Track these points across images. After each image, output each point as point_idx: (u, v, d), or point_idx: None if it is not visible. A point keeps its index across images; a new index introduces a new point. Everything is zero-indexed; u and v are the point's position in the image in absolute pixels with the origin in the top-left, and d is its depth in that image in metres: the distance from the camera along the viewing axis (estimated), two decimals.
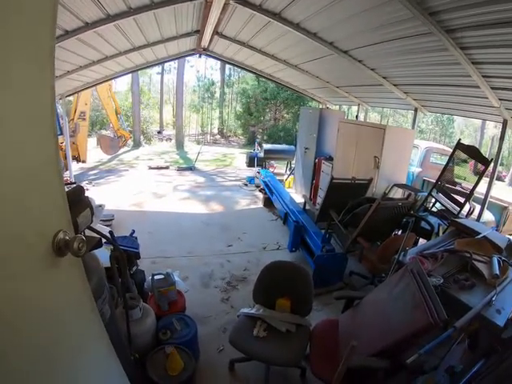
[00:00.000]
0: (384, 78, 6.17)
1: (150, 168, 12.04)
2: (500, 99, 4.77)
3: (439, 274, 2.75)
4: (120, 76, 9.21)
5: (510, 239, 3.80)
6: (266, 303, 3.00)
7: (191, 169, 12.21)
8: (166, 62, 11.37)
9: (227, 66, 25.42)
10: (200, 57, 9.02)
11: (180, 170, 12.08)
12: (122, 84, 26.90)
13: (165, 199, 8.18)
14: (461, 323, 2.21)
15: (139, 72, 18.67)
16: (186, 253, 5.24)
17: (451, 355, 2.98)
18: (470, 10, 3.25)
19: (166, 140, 22.67)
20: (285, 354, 2.59)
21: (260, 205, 8.25)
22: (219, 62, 23.08)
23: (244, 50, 7.51)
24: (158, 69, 28.18)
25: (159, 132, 24.04)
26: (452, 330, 2.17)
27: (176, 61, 18.66)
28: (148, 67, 9.76)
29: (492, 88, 4.59)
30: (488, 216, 6.43)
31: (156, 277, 3.35)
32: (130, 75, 16.82)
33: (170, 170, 12.07)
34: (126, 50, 6.51)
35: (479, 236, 3.47)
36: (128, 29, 5.38)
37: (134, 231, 4.21)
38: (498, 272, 2.82)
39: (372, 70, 6.00)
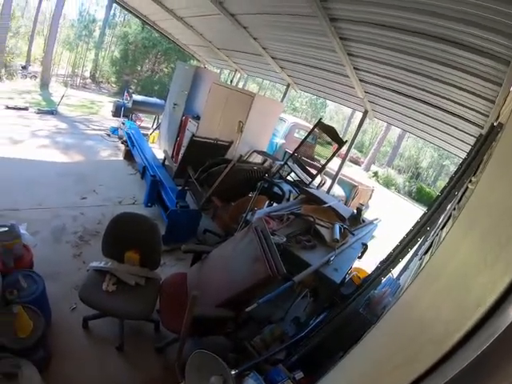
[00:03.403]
0: (264, 48, 6.35)
1: (8, 108, 10.51)
2: (365, 91, 5.25)
3: (283, 233, 2.97)
4: None
5: (353, 211, 4.27)
6: (114, 256, 2.90)
7: (53, 113, 10.97)
8: None
9: (114, 5, 23.26)
10: None
11: (41, 112, 10.71)
12: None
13: (20, 145, 7.18)
14: (299, 278, 2.45)
15: None
16: (37, 205, 4.75)
17: (297, 308, 3.34)
18: (357, 5, 3.50)
19: (31, 77, 19.90)
20: (134, 307, 2.57)
21: (120, 157, 7.92)
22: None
23: None
24: None
25: (24, 67, 20.96)
26: (291, 283, 2.39)
27: None
28: None
29: (360, 80, 5.02)
30: (339, 191, 7.21)
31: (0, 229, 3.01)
32: None
33: (30, 112, 10.60)
34: None
35: (325, 205, 3.83)
36: None
37: None
38: (338, 237, 3.19)
39: (254, 39, 6.12)
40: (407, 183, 22.64)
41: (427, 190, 22.27)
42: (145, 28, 19.16)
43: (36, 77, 19.87)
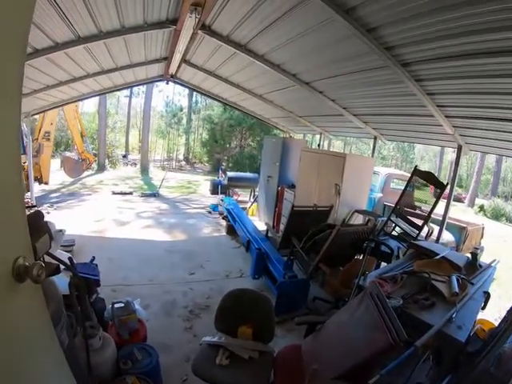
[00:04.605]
0: (344, 108, 6.40)
1: (114, 193, 11.83)
2: (454, 126, 5.00)
3: (399, 295, 2.81)
4: (87, 98, 9.09)
5: (468, 258, 3.96)
6: (227, 331, 2.95)
7: (155, 195, 12.10)
8: (133, 86, 11.37)
9: (194, 93, 25.41)
10: (167, 83, 9.08)
11: (144, 196, 11.93)
12: (90, 105, 26.49)
13: (128, 226, 8.03)
14: (421, 342, 2.25)
15: (107, 94, 18.47)
16: (147, 281, 5.14)
17: (418, 373, 3.00)
18: (423, 45, 3.45)
19: (131, 165, 22.30)
20: (248, 382, 2.55)
21: (223, 232, 8.27)
22: (187, 88, 23.07)
23: (210, 78, 7.64)
24: (126, 92, 27.94)
25: (124, 156, 23.57)
26: (413, 349, 2.21)
27: (144, 85, 18.59)
28: (116, 90, 9.69)
29: (446, 116, 4.81)
30: (448, 237, 6.74)
31: (116, 305, 3.27)
32: (97, 97, 16.61)
33: (134, 196, 11.90)
34: (95, 72, 6.50)
35: (437, 257, 3.61)
36: (97, 52, 5.39)
37: (94, 258, 4.00)
38: (457, 290, 2.94)
39: (332, 100, 6.23)
40: None
41: None
42: (226, 108, 20.43)
43: (136, 164, 22.03)
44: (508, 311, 2.63)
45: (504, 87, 3.56)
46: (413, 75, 4.13)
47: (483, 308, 3.14)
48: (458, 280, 3.13)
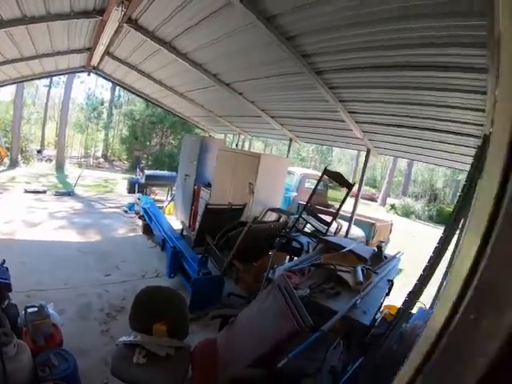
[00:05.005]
0: (262, 110, 6.66)
1: (27, 192, 10.98)
2: (363, 131, 5.40)
3: (306, 286, 3.02)
4: (3, 86, 8.35)
5: (374, 250, 4.31)
6: (142, 329, 2.92)
7: (70, 194, 11.42)
8: (54, 75, 10.80)
9: (118, 87, 24.46)
10: (89, 75, 8.73)
11: (58, 195, 11.20)
12: (5, 94, 24.22)
13: (40, 227, 7.52)
14: (327, 326, 2.47)
15: (25, 83, 17.09)
16: (62, 284, 4.89)
17: (331, 358, 3.22)
18: (336, 55, 3.75)
19: (46, 161, 20.73)
20: (167, 378, 2.58)
21: (139, 232, 8.11)
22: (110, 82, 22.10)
23: (133, 73, 7.50)
24: (45, 81, 25.81)
25: (39, 151, 21.70)
26: (320, 334, 2.41)
27: (66, 75, 17.57)
28: (35, 79, 9.03)
29: (356, 122, 5.20)
30: (358, 232, 7.22)
31: (29, 310, 3.13)
32: (14, 85, 15.41)
33: (48, 194, 11.14)
34: (14, 58, 6.03)
35: (344, 250, 3.89)
36: (19, 37, 5.03)
37: (4, 261, 3.67)
38: (361, 279, 3.24)
39: (252, 102, 6.45)
40: (426, 208, 22.80)
41: (447, 209, 22.10)
42: (149, 105, 19.93)
43: (51, 160, 20.61)
44: (407, 295, 2.89)
45: (407, 98, 3.98)
46: (326, 83, 4.43)
47: (388, 294, 3.46)
48: (362, 270, 3.42)
